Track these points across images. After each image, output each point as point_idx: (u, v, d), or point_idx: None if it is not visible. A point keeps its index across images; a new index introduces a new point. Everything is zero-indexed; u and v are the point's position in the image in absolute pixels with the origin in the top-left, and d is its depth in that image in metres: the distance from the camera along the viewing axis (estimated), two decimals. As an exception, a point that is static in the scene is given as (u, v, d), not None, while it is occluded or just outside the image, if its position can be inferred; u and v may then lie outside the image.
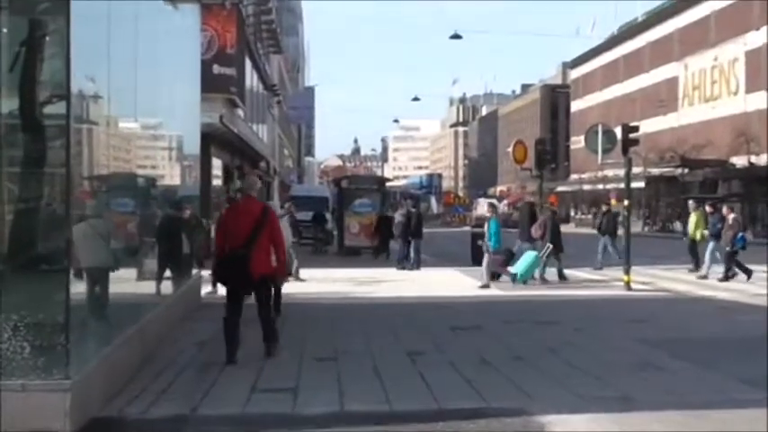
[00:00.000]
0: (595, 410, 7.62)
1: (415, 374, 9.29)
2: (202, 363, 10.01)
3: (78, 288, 7.20)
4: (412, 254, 25.45)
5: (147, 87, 10.64)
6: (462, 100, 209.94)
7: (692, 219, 23.79)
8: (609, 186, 73.19)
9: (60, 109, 6.98)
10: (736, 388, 8.61)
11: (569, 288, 19.42)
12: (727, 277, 20.85)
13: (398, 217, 26.77)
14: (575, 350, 10.86)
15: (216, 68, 26.87)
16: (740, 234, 21.07)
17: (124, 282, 9.29)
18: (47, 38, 7.12)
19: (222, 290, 10.59)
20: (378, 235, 29.63)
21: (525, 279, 20.18)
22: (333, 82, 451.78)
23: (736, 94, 63.38)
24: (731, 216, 21.45)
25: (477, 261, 26.17)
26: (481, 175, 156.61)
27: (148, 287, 11.08)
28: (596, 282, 21.30)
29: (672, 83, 72.78)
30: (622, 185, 21.46)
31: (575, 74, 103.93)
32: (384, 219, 29.63)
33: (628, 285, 18.94)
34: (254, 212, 9.84)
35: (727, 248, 21.14)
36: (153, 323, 10.67)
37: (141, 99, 10.17)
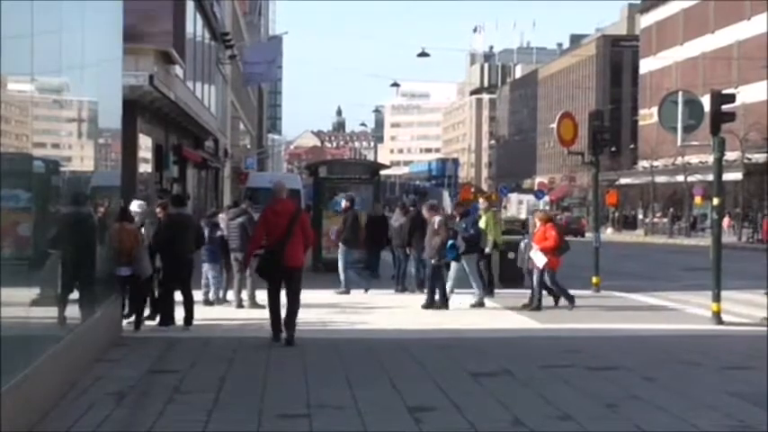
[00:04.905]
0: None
1: (419, 440, 9.26)
2: (122, 421, 9.97)
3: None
4: (414, 270, 25.36)
5: (48, 35, 10.57)
6: (488, 56, 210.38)
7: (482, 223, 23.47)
8: (692, 178, 73.44)
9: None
10: None
11: (634, 321, 19.41)
12: (431, 304, 20.85)
13: (397, 219, 26.72)
14: (644, 407, 10.84)
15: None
16: (450, 242, 20.94)
17: (10, 307, 9.22)
18: None
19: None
20: (367, 243, 29.57)
21: None
22: (308, 30, 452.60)
23: None
24: (436, 219, 21.23)
25: (507, 281, 26.21)
26: (513, 161, 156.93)
27: (46, 314, 11.03)
28: (669, 310, 21.32)
29: (782, 34, 72.85)
30: (711, 177, 21.47)
31: (645, 21, 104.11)
32: (375, 221, 29.59)
33: (718, 317, 18.94)
34: (289, 212, 15.49)
35: (433, 261, 20.93)
36: (51, 365, 10.61)
37: (39, 51, 10.11)
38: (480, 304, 21.49)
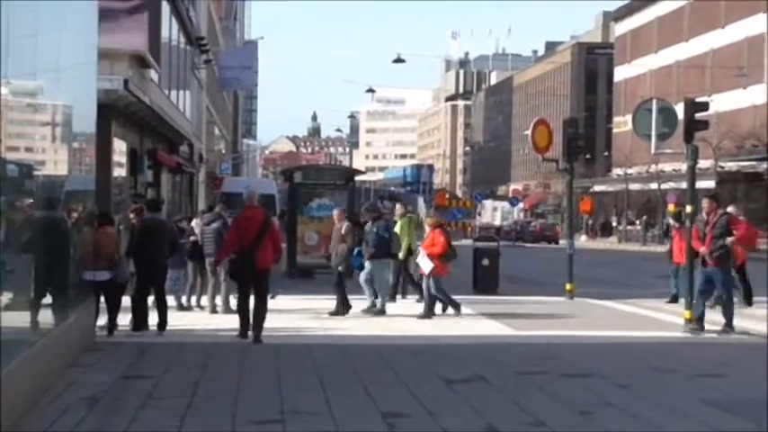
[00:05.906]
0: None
1: (393, 446, 9.26)
2: (95, 427, 9.93)
3: None
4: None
5: (22, 38, 10.52)
6: (464, 63, 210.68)
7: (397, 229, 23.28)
8: (666, 186, 73.59)
9: None
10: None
11: (608, 328, 19.45)
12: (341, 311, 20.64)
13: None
14: (617, 414, 10.87)
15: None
16: (356, 249, 20.78)
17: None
18: None
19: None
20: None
21: None
22: (284, 35, 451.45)
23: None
24: (343, 225, 21.06)
25: (481, 288, 26.25)
26: (488, 167, 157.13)
27: (18, 319, 10.97)
28: (642, 317, 21.37)
29: (756, 43, 73.22)
30: (684, 185, 21.55)
31: (620, 29, 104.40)
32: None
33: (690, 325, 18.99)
34: (259, 219, 16.87)
35: (340, 268, 20.74)
36: (24, 370, 10.56)
37: (13, 54, 10.06)
38: (381, 312, 20.84)
